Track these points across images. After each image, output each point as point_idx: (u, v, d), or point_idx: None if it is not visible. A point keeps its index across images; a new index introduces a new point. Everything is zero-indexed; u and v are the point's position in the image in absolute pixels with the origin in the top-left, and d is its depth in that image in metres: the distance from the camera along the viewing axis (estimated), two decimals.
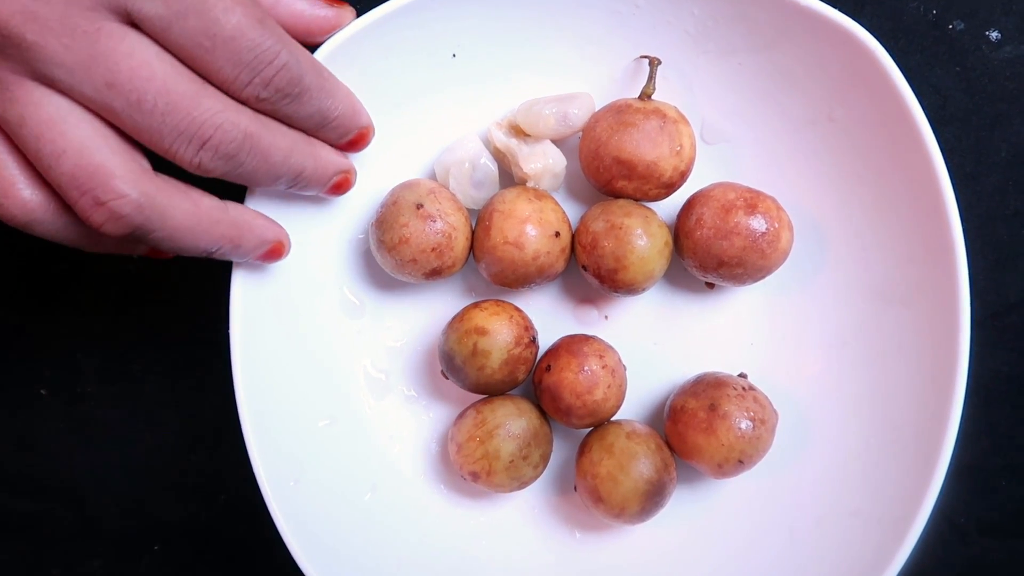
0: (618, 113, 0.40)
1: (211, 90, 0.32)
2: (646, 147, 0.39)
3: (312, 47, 0.37)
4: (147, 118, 0.31)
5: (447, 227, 0.40)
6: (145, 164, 0.33)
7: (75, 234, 0.34)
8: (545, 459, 0.41)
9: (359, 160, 0.42)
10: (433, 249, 0.40)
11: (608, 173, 0.40)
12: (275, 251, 0.39)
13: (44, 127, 0.30)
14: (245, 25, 0.31)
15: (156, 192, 0.32)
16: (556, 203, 0.41)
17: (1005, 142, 0.44)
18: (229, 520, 0.47)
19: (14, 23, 0.29)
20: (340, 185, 0.39)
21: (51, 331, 0.47)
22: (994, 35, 0.44)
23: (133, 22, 0.31)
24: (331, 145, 0.38)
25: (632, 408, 0.44)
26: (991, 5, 0.44)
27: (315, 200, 0.41)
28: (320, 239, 0.43)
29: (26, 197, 0.32)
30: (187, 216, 0.34)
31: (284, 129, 0.35)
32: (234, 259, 0.38)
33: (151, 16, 0.30)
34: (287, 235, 0.39)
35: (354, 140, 0.39)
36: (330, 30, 0.38)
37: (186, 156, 0.32)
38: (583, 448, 0.41)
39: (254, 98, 0.33)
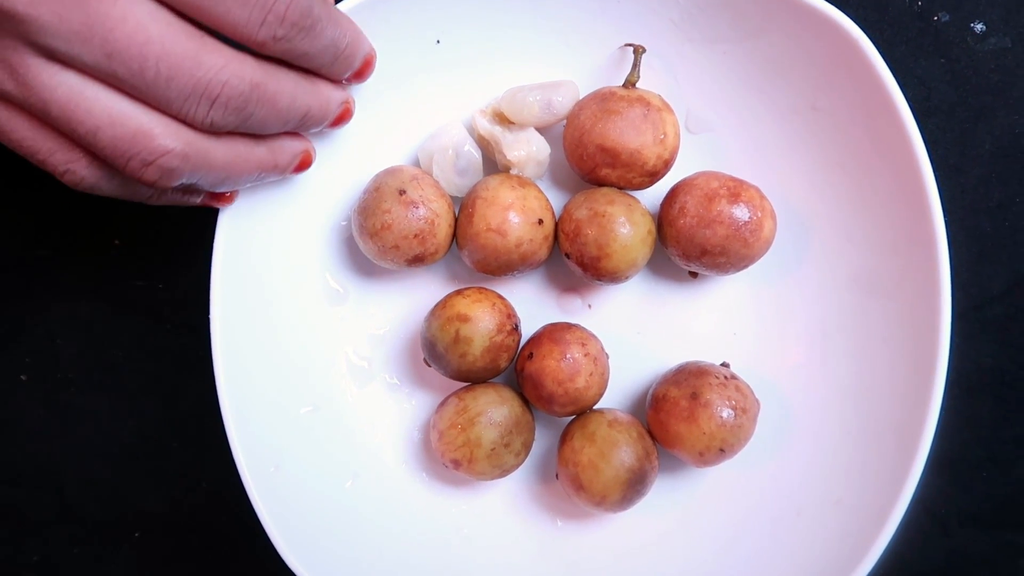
0: (602, 101, 0.40)
1: (211, 43, 0.32)
2: (630, 135, 0.39)
3: None
4: (151, 86, 0.31)
5: (430, 213, 0.40)
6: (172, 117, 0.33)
7: (137, 192, 0.35)
8: (527, 447, 0.41)
9: (341, 149, 0.42)
10: (416, 236, 0.40)
11: (592, 161, 0.40)
12: (305, 161, 0.39)
13: (68, 109, 0.31)
14: None
15: (193, 139, 0.33)
16: (540, 191, 0.41)
17: (989, 134, 0.44)
18: (210, 507, 0.47)
19: None
20: (343, 116, 0.39)
21: (32, 317, 0.46)
22: (979, 27, 0.44)
23: None
24: (338, 80, 0.38)
25: (614, 397, 0.44)
26: None
27: (296, 186, 0.41)
28: (302, 225, 0.42)
29: (84, 173, 0.33)
30: (228, 152, 0.34)
31: (284, 72, 0.34)
32: (274, 178, 0.38)
33: None
34: (311, 143, 0.39)
35: (360, 69, 0.38)
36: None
37: (198, 116, 0.32)
38: (565, 436, 0.41)
39: (271, 38, 0.32)
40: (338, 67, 0.37)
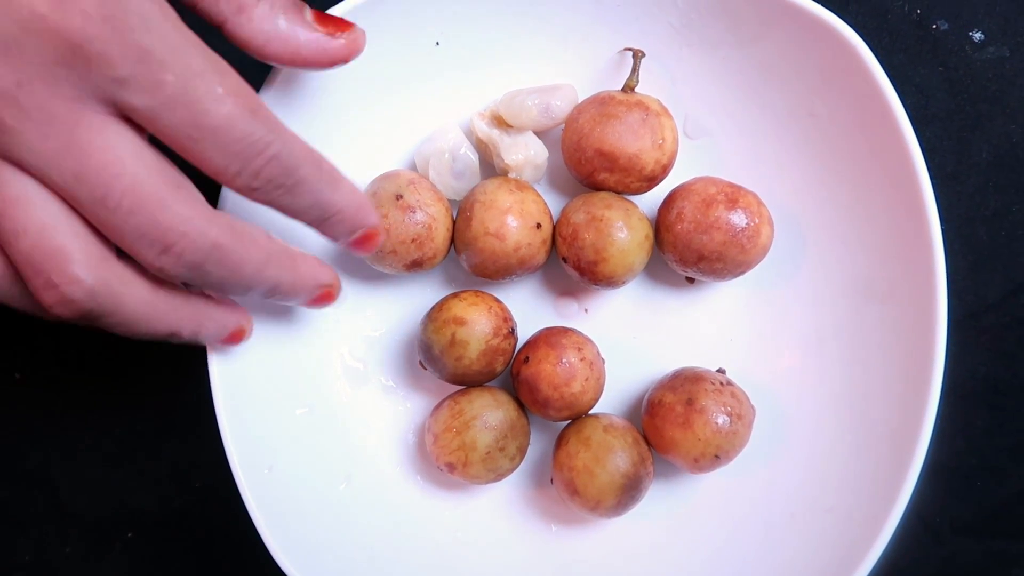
0: (601, 105, 0.40)
1: (184, 194, 0.31)
2: (628, 139, 0.39)
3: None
4: (111, 215, 0.30)
5: (427, 218, 0.40)
6: (107, 251, 0.32)
7: (37, 307, 0.33)
8: (522, 451, 0.41)
9: (337, 152, 0.41)
10: (413, 240, 0.40)
11: (590, 165, 0.40)
12: (235, 336, 0.38)
13: (7, 205, 0.30)
14: (236, 116, 0.30)
15: (113, 279, 0.31)
16: (537, 194, 0.41)
17: (986, 143, 0.44)
18: (203, 507, 0.46)
19: None
20: (322, 299, 0.38)
21: (27, 315, 0.46)
22: (977, 36, 0.44)
23: (121, 113, 0.30)
24: (337, 241, 0.37)
25: (610, 402, 0.44)
26: (975, 6, 0.44)
27: None
28: (298, 228, 0.42)
29: None
30: (143, 304, 0.33)
31: (262, 241, 0.34)
32: (195, 344, 0.36)
33: (138, 107, 0.29)
34: (249, 319, 0.38)
35: (360, 240, 0.37)
36: (346, 57, 0.36)
37: (147, 258, 0.31)
38: (560, 441, 0.41)
39: (246, 187, 0.32)
40: (329, 229, 0.36)
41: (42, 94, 0.28)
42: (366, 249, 0.37)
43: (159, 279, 0.33)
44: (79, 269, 0.30)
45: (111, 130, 0.30)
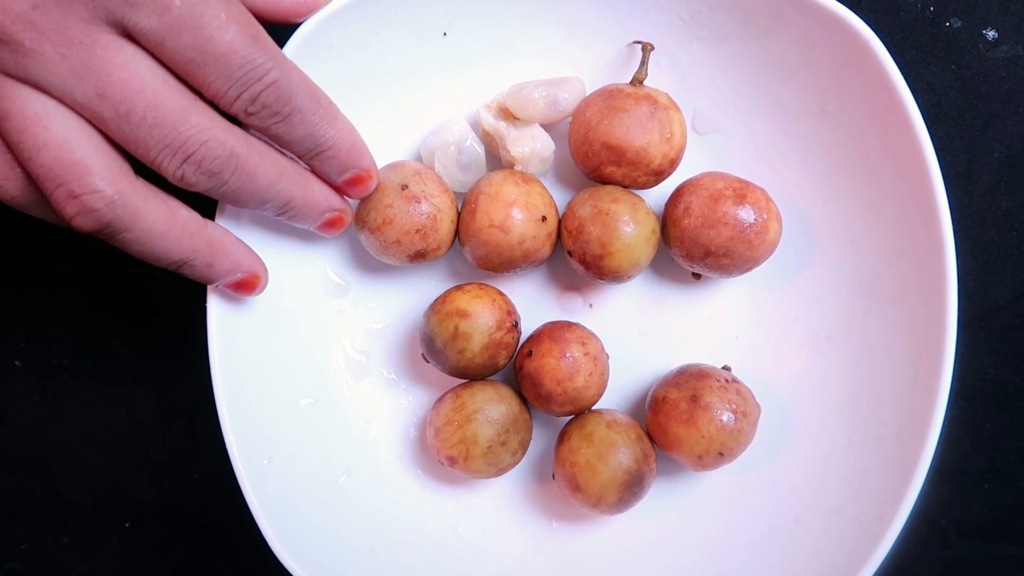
0: (609, 98, 0.39)
1: (202, 106, 0.32)
2: (636, 133, 0.39)
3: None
4: (135, 129, 0.31)
5: (432, 209, 0.40)
6: (126, 166, 0.33)
7: (56, 217, 0.34)
8: (524, 446, 0.41)
9: None
10: (418, 231, 0.39)
11: (597, 158, 0.40)
12: (248, 283, 0.38)
13: (28, 122, 0.31)
14: (238, 43, 0.31)
15: (132, 192, 0.32)
16: (543, 187, 0.41)
17: (998, 142, 0.44)
18: (202, 498, 0.46)
19: (14, 29, 0.29)
20: (332, 223, 0.39)
21: (28, 302, 0.46)
22: (991, 34, 0.43)
23: (129, 35, 0.31)
24: (328, 183, 0.38)
25: (614, 398, 0.44)
26: (989, 4, 0.43)
27: None
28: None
29: (15, 192, 0.33)
30: (160, 222, 0.34)
31: (276, 155, 0.35)
32: (205, 280, 0.37)
33: (146, 30, 0.30)
34: (265, 270, 0.39)
35: (352, 180, 0.38)
36: (306, 13, 0.37)
37: (169, 168, 0.32)
38: (562, 436, 0.41)
39: (243, 112, 0.32)
40: (321, 165, 0.36)
41: (57, 16, 0.30)
42: (358, 192, 0.38)
43: (178, 204, 0.35)
44: (99, 180, 0.31)
45: (127, 50, 0.31)
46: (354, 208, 0.40)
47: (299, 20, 0.37)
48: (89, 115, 0.31)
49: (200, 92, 0.32)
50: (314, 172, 0.37)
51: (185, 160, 0.32)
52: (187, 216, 0.35)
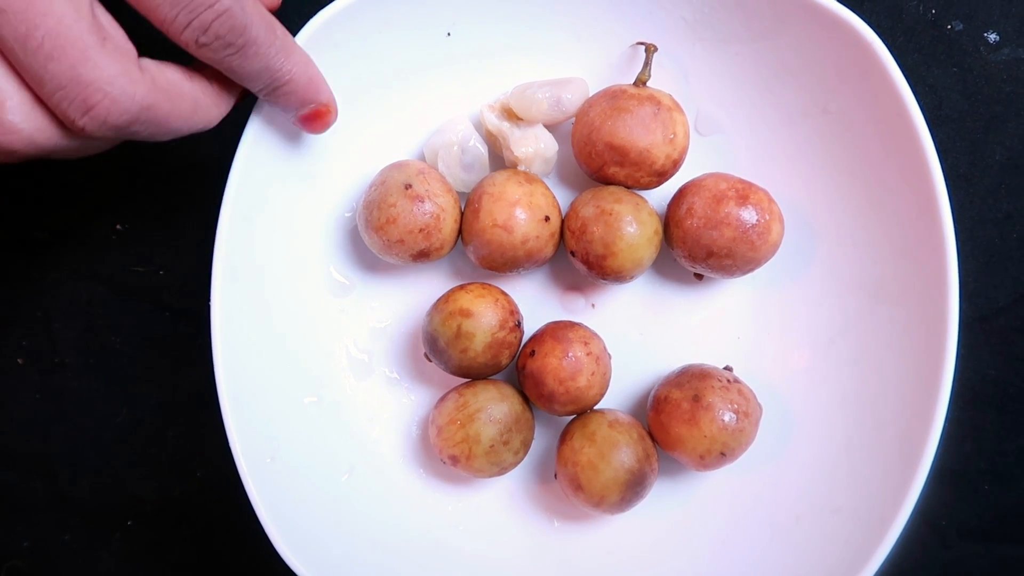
0: (612, 98, 0.40)
1: (113, 46, 0.29)
2: (639, 133, 0.39)
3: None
4: (31, 58, 0.28)
5: (436, 208, 0.40)
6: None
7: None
8: (526, 445, 0.41)
9: (348, 142, 0.42)
10: (421, 230, 0.39)
11: (600, 159, 0.40)
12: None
13: None
14: None
15: (48, 127, 0.30)
16: (546, 187, 0.41)
17: (1000, 145, 0.44)
18: (205, 497, 0.46)
19: None
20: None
21: (30, 299, 0.46)
22: (992, 37, 0.44)
23: None
24: (288, 115, 0.36)
25: (616, 398, 0.44)
26: (990, 7, 0.43)
27: (301, 178, 0.41)
28: (307, 217, 0.42)
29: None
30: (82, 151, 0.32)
31: (188, 89, 0.32)
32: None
33: None
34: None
35: (309, 116, 0.36)
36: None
37: (69, 116, 0.29)
38: (565, 436, 0.41)
39: (193, 42, 0.30)
40: (278, 99, 0.35)
41: None
42: (316, 127, 0.37)
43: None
44: (14, 116, 0.29)
45: None
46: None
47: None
48: None
49: (147, 17, 0.30)
50: (273, 105, 0.35)
51: (85, 112, 0.29)
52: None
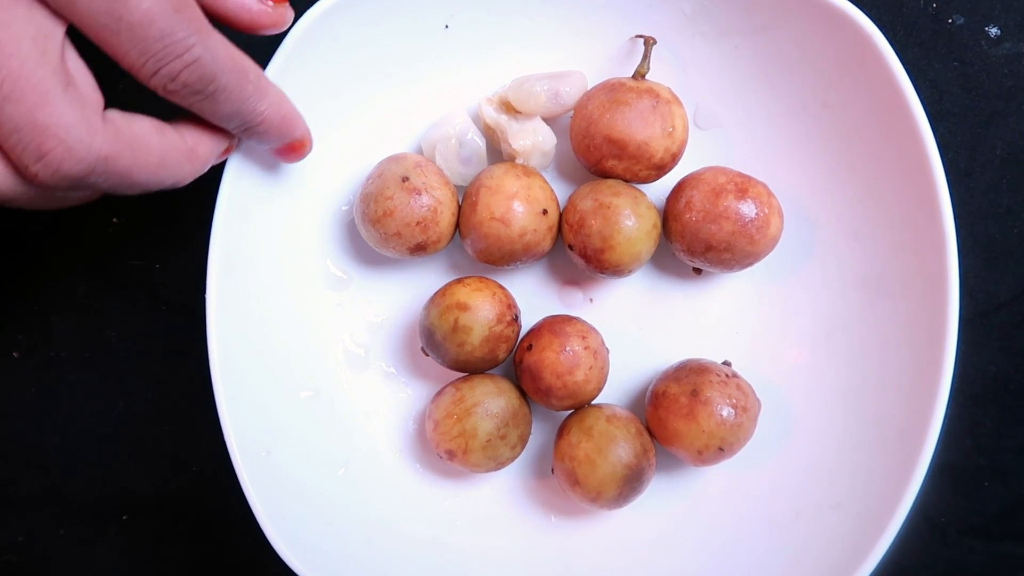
0: (611, 91, 0.39)
1: (74, 96, 0.29)
2: (638, 126, 0.38)
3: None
4: None
5: (433, 201, 0.39)
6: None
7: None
8: (523, 440, 0.41)
9: (345, 135, 0.41)
10: (418, 223, 0.39)
11: (598, 152, 0.39)
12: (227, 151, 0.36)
13: None
14: (156, 12, 0.28)
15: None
16: (544, 181, 0.41)
17: (1000, 139, 0.44)
18: (200, 492, 0.46)
19: None
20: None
21: (25, 293, 0.46)
22: (994, 31, 0.43)
23: None
24: (264, 148, 0.36)
25: (613, 392, 0.43)
26: (991, 1, 0.43)
27: (299, 171, 0.41)
28: (303, 211, 0.42)
29: None
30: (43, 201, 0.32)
31: (156, 141, 0.31)
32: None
33: None
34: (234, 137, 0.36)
35: (283, 150, 0.37)
36: (271, 26, 0.35)
37: (23, 161, 0.28)
38: (562, 430, 0.41)
39: (162, 88, 0.30)
40: (251, 138, 0.35)
41: None
42: (290, 159, 0.37)
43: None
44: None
45: (20, 8, 0.27)
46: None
47: (263, 32, 0.34)
48: None
49: (116, 62, 0.29)
50: (248, 140, 0.35)
51: (39, 159, 0.28)
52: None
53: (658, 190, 0.42)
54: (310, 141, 0.37)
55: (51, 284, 0.46)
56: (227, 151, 0.36)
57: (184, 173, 0.33)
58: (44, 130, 0.28)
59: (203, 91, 0.31)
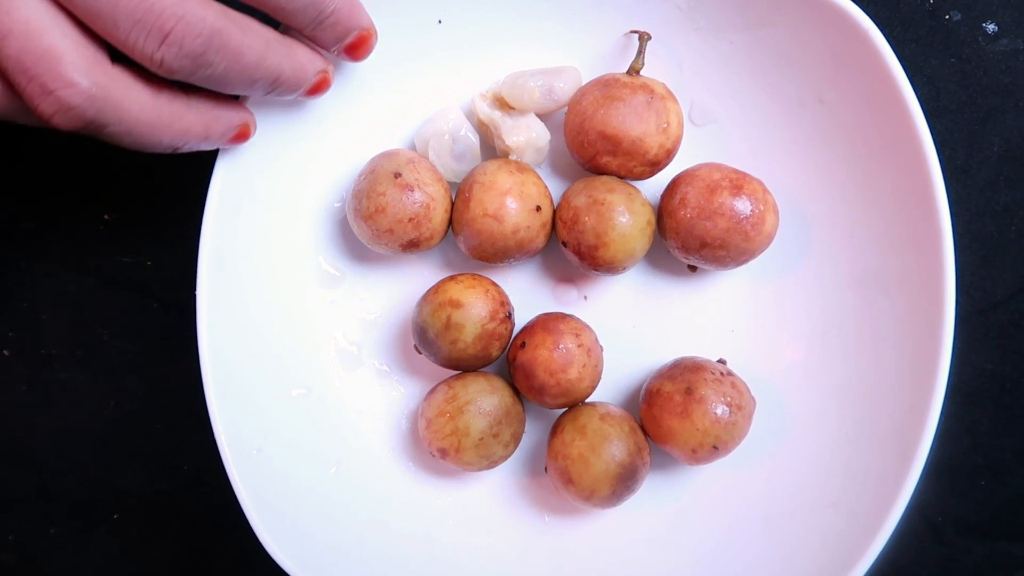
0: (605, 87, 0.39)
1: None
2: (632, 122, 0.38)
3: None
4: (99, 2, 0.28)
5: (426, 198, 0.39)
6: (101, 53, 0.30)
7: (35, 118, 0.31)
8: (516, 438, 0.41)
9: (337, 130, 0.41)
10: (411, 220, 0.39)
11: (593, 148, 0.39)
12: (241, 134, 0.36)
13: None
14: None
15: (111, 83, 0.29)
16: (538, 177, 0.40)
17: (998, 136, 0.43)
18: (191, 490, 0.46)
19: None
20: (319, 86, 0.36)
21: (16, 290, 0.45)
22: (991, 27, 0.43)
23: None
24: (327, 50, 0.36)
25: (607, 391, 0.43)
26: None
27: (290, 167, 0.40)
28: (296, 207, 0.42)
29: None
30: (146, 110, 0.31)
31: (257, 27, 0.32)
32: (201, 149, 0.35)
33: None
34: (252, 115, 0.37)
35: (353, 44, 0.36)
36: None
37: (146, 50, 0.29)
38: (555, 429, 0.40)
39: None
40: (322, 34, 0.34)
41: None
42: (359, 54, 0.36)
43: (159, 85, 0.32)
44: (73, 72, 0.28)
45: None
46: None
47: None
48: None
49: None
50: (314, 40, 0.35)
51: (163, 41, 0.29)
52: (171, 95, 0.32)
53: (653, 187, 0.42)
54: (376, 31, 0.37)
55: (43, 281, 0.45)
56: (322, 78, 0.36)
57: (286, 65, 0.33)
58: (160, 11, 0.28)
59: None
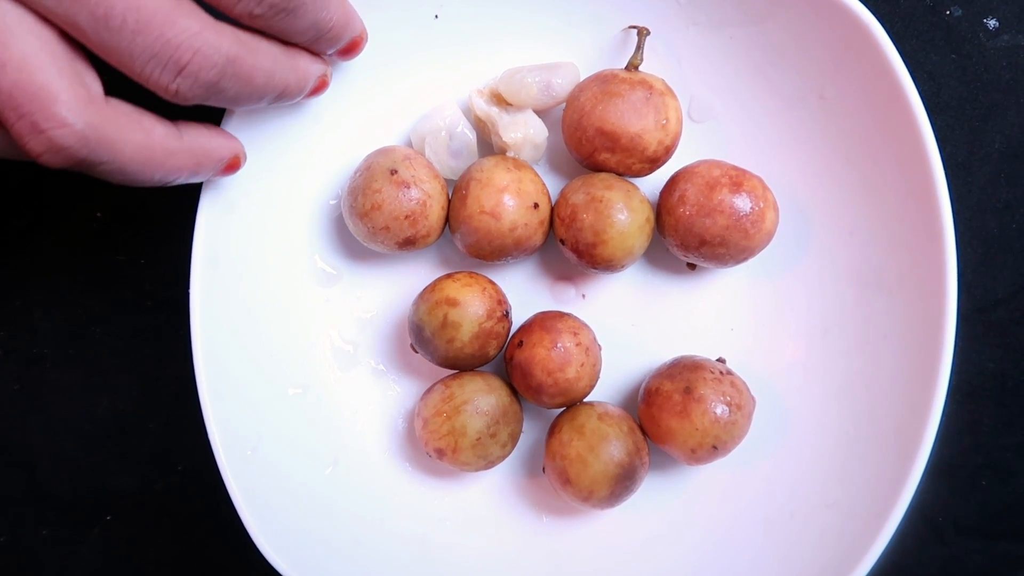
0: (603, 83, 0.39)
1: (188, 6, 0.29)
2: (631, 118, 0.38)
3: None
4: (115, 36, 0.28)
5: (422, 195, 0.39)
6: (96, 89, 0.30)
7: (19, 153, 0.30)
8: (514, 438, 0.40)
9: (333, 127, 0.41)
10: (407, 217, 0.39)
11: (591, 144, 0.39)
12: (231, 166, 0.36)
13: None
14: None
15: (104, 124, 0.29)
16: (536, 174, 0.40)
17: (999, 133, 0.43)
18: (186, 491, 0.45)
19: None
20: (318, 88, 0.37)
21: (8, 289, 0.45)
22: (992, 23, 0.43)
23: None
24: (322, 54, 0.36)
25: (606, 390, 0.43)
26: None
27: (285, 164, 0.40)
28: (290, 204, 0.41)
29: None
30: (139, 150, 0.31)
31: (264, 45, 0.32)
32: (191, 182, 0.35)
33: None
34: (242, 146, 0.37)
35: (347, 48, 0.37)
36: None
37: (162, 82, 0.29)
38: (553, 428, 0.40)
39: (247, 15, 0.30)
40: (321, 45, 0.35)
41: None
42: (350, 55, 0.37)
43: (152, 122, 0.32)
44: (67, 112, 0.28)
45: None
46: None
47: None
48: (63, 22, 0.28)
49: None
50: (311, 50, 0.35)
51: (179, 73, 0.29)
52: (164, 133, 0.32)
53: (651, 184, 0.41)
54: (367, 32, 0.37)
55: (34, 280, 0.45)
56: (321, 82, 0.37)
57: (291, 79, 0.34)
58: (178, 45, 0.29)
59: (286, 8, 0.31)
